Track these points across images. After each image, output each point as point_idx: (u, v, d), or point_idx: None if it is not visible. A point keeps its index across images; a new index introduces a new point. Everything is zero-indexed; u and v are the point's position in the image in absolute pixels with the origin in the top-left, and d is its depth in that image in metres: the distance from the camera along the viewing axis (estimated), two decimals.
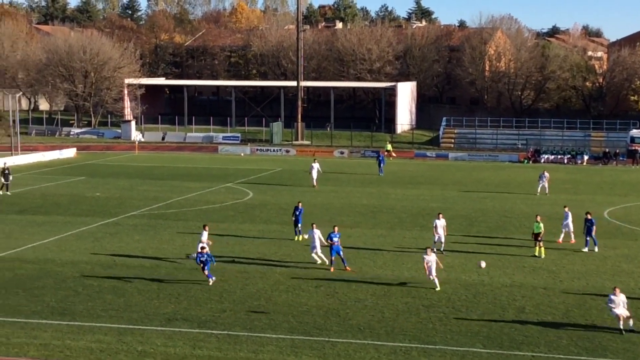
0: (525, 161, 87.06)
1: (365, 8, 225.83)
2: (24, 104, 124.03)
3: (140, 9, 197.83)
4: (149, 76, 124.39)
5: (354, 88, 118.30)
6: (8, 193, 59.82)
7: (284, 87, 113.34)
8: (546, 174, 62.57)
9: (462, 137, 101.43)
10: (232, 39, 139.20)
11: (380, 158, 75.02)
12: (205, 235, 37.82)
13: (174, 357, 26.22)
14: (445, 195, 61.44)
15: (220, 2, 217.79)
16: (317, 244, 38.13)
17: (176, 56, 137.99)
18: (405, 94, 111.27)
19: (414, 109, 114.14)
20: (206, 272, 34.62)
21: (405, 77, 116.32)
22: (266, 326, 29.25)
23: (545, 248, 40.71)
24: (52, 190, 62.36)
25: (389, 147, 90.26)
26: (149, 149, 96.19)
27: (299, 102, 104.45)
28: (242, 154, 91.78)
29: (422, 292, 33.76)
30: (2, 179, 60.63)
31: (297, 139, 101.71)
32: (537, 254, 40.38)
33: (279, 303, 32.07)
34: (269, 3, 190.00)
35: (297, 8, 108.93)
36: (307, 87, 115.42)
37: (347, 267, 37.49)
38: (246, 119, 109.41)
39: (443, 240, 41.09)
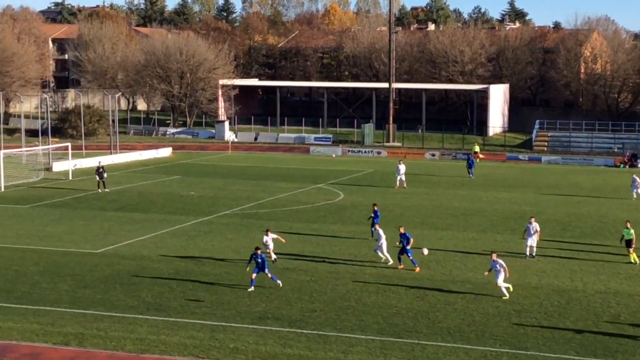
0: (622, 165, 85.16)
1: (458, 9, 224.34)
2: (123, 104, 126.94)
3: (235, 11, 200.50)
4: (243, 77, 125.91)
5: (445, 90, 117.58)
6: (107, 190, 61.49)
7: (376, 89, 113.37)
8: (636, 178, 61.21)
9: (555, 140, 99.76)
10: (324, 41, 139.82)
11: (470, 160, 74.48)
12: (268, 239, 37.87)
13: (264, 355, 26.63)
14: (538, 199, 60.65)
15: (313, 3, 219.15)
16: (384, 242, 38.70)
17: (269, 57, 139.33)
18: (498, 96, 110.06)
19: (506, 112, 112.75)
20: (269, 274, 34.03)
21: (498, 79, 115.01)
22: (356, 327, 29.45)
23: (638, 255, 39.89)
24: (149, 189, 63.85)
25: (477, 148, 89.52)
26: (242, 149, 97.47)
27: (391, 104, 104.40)
28: (334, 155, 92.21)
29: (513, 296, 33.46)
30: (97, 177, 62.35)
31: (388, 141, 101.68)
32: (632, 260, 39.59)
33: (368, 304, 32.23)
34: (362, 5, 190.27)
35: (390, 10, 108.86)
36: (399, 89, 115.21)
37: (417, 268, 37.71)
38: (338, 120, 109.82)
39: (534, 244, 40.61)
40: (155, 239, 44.36)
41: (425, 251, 36.54)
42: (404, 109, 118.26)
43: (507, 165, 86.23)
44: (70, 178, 68.09)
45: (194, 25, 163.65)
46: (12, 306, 31.41)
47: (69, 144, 74.02)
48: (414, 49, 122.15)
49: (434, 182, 69.32)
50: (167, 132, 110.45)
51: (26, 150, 76.05)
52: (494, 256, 33.71)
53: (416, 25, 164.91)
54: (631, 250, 39.81)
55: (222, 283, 34.98)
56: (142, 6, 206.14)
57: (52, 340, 27.57)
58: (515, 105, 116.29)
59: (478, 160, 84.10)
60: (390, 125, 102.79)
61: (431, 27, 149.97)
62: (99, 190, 61.34)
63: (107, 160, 79.18)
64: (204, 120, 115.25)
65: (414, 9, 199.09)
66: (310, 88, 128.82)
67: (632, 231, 39.97)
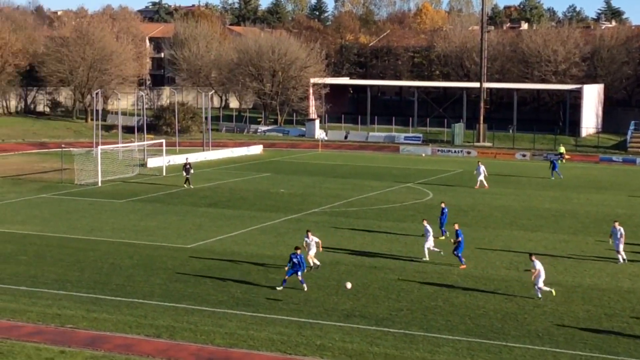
0: None
1: (552, 8, 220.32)
2: (216, 102, 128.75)
3: (327, 10, 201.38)
4: (334, 76, 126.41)
5: (537, 90, 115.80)
6: (191, 187, 62.67)
7: (467, 89, 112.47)
8: None
9: None
10: (415, 40, 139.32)
11: (554, 162, 73.22)
12: (309, 241, 37.50)
13: (351, 352, 26.84)
14: (631, 202, 59.35)
15: (405, 3, 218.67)
16: (431, 239, 39.37)
17: (360, 56, 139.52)
18: (592, 96, 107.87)
19: (600, 112, 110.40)
20: (299, 277, 33.74)
21: (592, 80, 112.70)
22: (443, 327, 29.44)
23: None
24: (239, 185, 64.78)
25: (562, 149, 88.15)
26: (332, 147, 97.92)
27: (482, 104, 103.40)
28: (423, 155, 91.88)
29: (604, 300, 32.96)
30: (184, 173, 63.58)
31: (478, 141, 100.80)
32: None
33: (456, 304, 32.17)
34: (454, 4, 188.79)
35: (482, 9, 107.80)
36: (490, 89, 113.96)
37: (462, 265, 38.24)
38: (428, 119, 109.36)
39: (620, 249, 39.68)
40: (245, 235, 45.06)
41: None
42: (495, 109, 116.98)
43: (600, 166, 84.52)
44: (164, 174, 69.58)
45: (287, 24, 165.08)
46: (107, 298, 32.39)
47: (163, 141, 75.64)
48: (506, 49, 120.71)
49: (524, 183, 68.47)
50: (258, 130, 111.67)
51: (122, 147, 77.98)
52: (533, 257, 33.70)
53: (509, 24, 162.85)
54: None
55: (310, 281, 35.32)
56: (236, 5, 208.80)
57: (145, 332, 28.35)
58: (610, 105, 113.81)
59: (563, 161, 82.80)
60: (481, 125, 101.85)
61: (524, 26, 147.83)
62: (185, 186, 62.53)
63: (199, 157, 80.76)
64: (294, 118, 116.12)
65: (506, 7, 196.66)
66: (400, 87, 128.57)
67: None
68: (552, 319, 30.56)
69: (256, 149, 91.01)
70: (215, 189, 62.90)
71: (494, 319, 30.55)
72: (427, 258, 39.11)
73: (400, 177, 71.31)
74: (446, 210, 45.59)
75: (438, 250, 39.44)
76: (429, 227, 39.61)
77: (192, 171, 63.74)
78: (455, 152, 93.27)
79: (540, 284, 32.99)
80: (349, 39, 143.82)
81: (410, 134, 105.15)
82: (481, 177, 64.41)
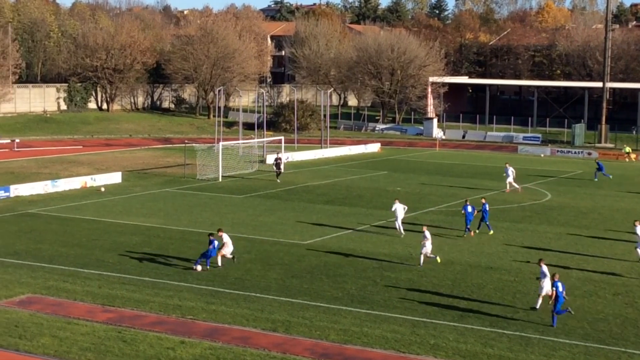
0: None
1: None
2: (335, 100, 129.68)
3: (448, 8, 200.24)
4: (452, 75, 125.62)
5: None
6: (278, 181, 63.94)
7: (589, 88, 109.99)
8: None
9: None
10: (537, 39, 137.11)
11: (599, 164, 69.98)
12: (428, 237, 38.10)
13: (464, 353, 26.81)
14: None
15: (527, 1, 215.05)
16: (428, 244, 38.13)
17: (480, 55, 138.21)
18: None
19: None
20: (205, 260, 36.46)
21: None
22: (559, 330, 29.06)
23: None
24: (356, 183, 65.19)
25: (628, 149, 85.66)
26: (449, 146, 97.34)
27: (604, 104, 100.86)
28: (542, 155, 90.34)
29: None
30: (274, 168, 64.78)
31: (599, 142, 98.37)
32: None
33: (573, 308, 31.62)
34: (577, 2, 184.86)
35: (607, 7, 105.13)
36: (613, 89, 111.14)
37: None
38: (547, 119, 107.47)
39: None
40: (361, 233, 45.39)
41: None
42: (618, 110, 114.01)
43: None
44: (282, 170, 70.58)
45: (406, 22, 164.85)
46: (226, 291, 33.25)
47: (282, 138, 76.76)
48: (632, 47, 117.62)
49: None
50: (376, 128, 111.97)
51: (242, 143, 79.51)
52: (542, 263, 32.02)
53: (635, 22, 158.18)
54: None
55: (424, 279, 35.39)
56: (357, 4, 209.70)
57: (261, 326, 29.00)
58: None
59: (627, 160, 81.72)
60: (603, 126, 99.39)
61: None
62: (278, 181, 63.81)
63: (317, 154, 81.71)
64: (412, 117, 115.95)
65: (633, 5, 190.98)
66: (520, 87, 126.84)
67: None
68: None
69: (374, 147, 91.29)
70: (333, 186, 63.50)
71: (613, 324, 29.98)
72: (421, 265, 37.87)
73: (518, 177, 70.09)
74: (486, 206, 45.55)
75: (434, 256, 38.28)
76: (427, 234, 38.34)
77: (282, 167, 65.26)
78: (575, 153, 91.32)
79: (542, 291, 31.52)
80: (468, 37, 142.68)
81: (529, 134, 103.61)
82: (510, 179, 61.84)
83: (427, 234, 38.34)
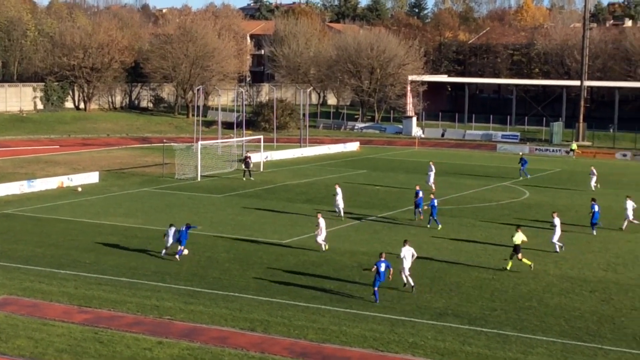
0: None
1: None
2: (314, 99, 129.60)
3: (427, 7, 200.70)
4: (432, 73, 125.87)
5: None
6: (244, 179, 64.38)
7: (567, 87, 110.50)
8: None
9: None
10: (515, 37, 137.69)
11: (523, 160, 70.43)
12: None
13: (443, 351, 26.86)
14: None
15: (506, 0, 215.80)
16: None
17: (459, 54, 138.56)
18: None
19: None
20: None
21: None
22: (537, 328, 29.18)
23: None
24: (335, 182, 64.92)
25: (574, 146, 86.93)
26: (428, 145, 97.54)
27: (582, 102, 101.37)
28: (521, 153, 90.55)
29: None
30: (243, 166, 65.81)
31: (577, 140, 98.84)
32: None
33: (551, 305, 31.83)
34: (555, 0, 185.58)
35: (585, 6, 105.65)
36: (591, 87, 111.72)
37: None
38: (526, 117, 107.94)
39: None
40: (340, 232, 45.37)
41: None
42: (596, 108, 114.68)
43: None
44: (262, 170, 70.50)
45: (386, 21, 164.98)
46: (204, 291, 33.13)
47: (261, 137, 76.63)
48: (609, 46, 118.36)
49: (624, 183, 66.95)
50: (355, 127, 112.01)
51: (221, 142, 79.33)
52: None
53: (612, 21, 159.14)
54: None
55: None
56: (336, 3, 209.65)
57: (240, 326, 28.92)
58: None
59: (575, 157, 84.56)
60: (581, 124, 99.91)
61: (628, 23, 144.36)
62: (244, 179, 64.29)
63: (296, 153, 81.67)
64: (391, 115, 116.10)
65: (610, 4, 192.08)
66: (499, 85, 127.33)
67: None
68: None
69: (353, 146, 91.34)
70: (312, 185, 63.46)
71: (590, 321, 30.13)
72: (325, 249, 40.46)
73: (497, 175, 70.59)
74: (435, 202, 46.96)
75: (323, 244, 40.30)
76: (321, 221, 40.25)
77: (251, 165, 66.06)
78: (553, 151, 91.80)
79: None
80: (447, 36, 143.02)
81: (508, 132, 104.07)
82: (430, 181, 61.22)
83: (321, 221, 40.37)
